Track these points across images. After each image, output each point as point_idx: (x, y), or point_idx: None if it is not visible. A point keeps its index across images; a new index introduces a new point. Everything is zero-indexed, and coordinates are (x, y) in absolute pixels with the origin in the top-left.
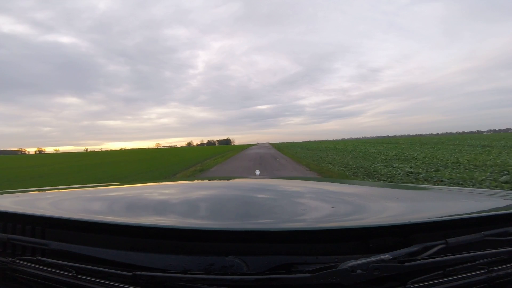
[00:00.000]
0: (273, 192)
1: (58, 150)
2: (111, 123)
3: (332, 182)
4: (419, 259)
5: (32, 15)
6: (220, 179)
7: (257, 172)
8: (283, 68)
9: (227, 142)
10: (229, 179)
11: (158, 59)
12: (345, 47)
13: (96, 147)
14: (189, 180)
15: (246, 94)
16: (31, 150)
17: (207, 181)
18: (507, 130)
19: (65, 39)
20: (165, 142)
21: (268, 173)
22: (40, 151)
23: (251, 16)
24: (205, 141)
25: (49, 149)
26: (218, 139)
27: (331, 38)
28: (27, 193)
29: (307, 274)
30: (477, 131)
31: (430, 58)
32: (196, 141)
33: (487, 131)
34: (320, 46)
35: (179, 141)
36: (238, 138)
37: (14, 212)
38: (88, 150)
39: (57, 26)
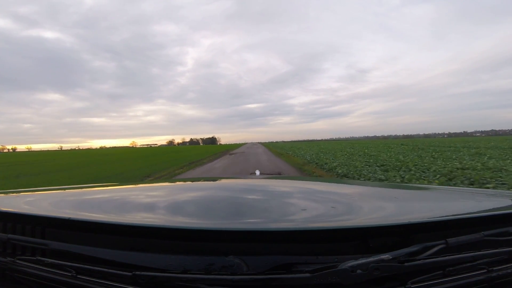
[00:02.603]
0: (273, 192)
1: (30, 148)
2: (95, 120)
3: (332, 182)
4: (419, 259)
5: (15, 9)
6: (219, 178)
7: (257, 172)
8: (273, 67)
9: (212, 141)
10: (228, 178)
11: (146, 55)
12: (335, 47)
13: (75, 145)
14: (188, 181)
15: (236, 92)
16: None
17: (207, 181)
18: (493, 131)
19: (49, 34)
20: (150, 140)
21: None
22: (13, 150)
23: (243, 14)
24: (187, 139)
25: (20, 147)
26: (202, 137)
27: (322, 38)
28: (27, 193)
29: (307, 274)
30: (464, 132)
31: (417, 60)
32: (179, 139)
33: (474, 132)
34: (311, 46)
35: (165, 139)
36: (226, 137)
37: (14, 212)
38: (63, 149)
39: (41, 20)
